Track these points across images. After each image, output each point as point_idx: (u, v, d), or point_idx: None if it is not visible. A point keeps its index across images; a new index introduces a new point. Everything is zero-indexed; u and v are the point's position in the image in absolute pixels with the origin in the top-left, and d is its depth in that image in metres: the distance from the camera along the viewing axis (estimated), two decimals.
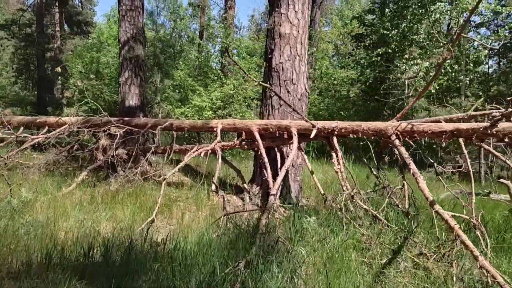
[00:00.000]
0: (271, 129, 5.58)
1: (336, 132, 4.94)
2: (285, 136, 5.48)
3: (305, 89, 5.94)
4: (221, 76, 11.48)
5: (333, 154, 5.05)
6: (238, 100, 10.83)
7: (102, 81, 17.93)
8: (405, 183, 4.61)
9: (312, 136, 4.84)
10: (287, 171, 5.83)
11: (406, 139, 4.51)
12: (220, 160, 5.84)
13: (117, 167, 6.05)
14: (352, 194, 4.39)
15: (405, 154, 4.22)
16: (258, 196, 5.94)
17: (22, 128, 8.99)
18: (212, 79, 12.29)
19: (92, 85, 17.14)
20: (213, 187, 5.67)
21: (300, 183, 6.05)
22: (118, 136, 6.04)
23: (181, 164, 5.44)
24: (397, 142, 4.41)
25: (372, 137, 4.88)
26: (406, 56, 11.10)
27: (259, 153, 5.58)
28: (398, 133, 4.46)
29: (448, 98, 11.51)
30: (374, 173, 5.18)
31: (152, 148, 6.47)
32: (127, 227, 4.79)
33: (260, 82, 4.97)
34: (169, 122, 6.68)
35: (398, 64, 11.31)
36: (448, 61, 10.89)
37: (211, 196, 6.31)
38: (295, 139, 5.20)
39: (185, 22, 24.84)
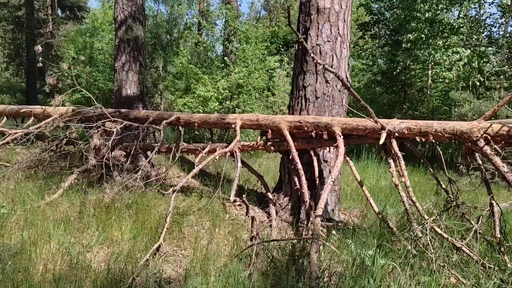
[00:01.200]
0: (306, 128, 4.46)
1: (397, 134, 3.83)
2: (325, 137, 4.37)
3: (347, 78, 4.83)
4: (229, 63, 10.33)
5: (390, 161, 3.95)
6: (248, 90, 9.68)
7: (96, 68, 16.73)
8: (495, 204, 3.53)
9: (382, 141, 3.72)
10: (325, 180, 4.74)
11: (495, 145, 3.41)
12: (239, 164, 4.73)
13: (113, 171, 4.92)
14: (428, 220, 3.29)
15: (503, 167, 3.14)
16: (286, 209, 4.84)
17: (4, 119, 7.86)
18: (217, 66, 11.12)
19: (85, 72, 15.95)
20: (232, 197, 4.53)
21: (338, 193, 4.97)
22: (114, 133, 4.90)
23: (195, 171, 4.32)
24: (487, 149, 3.32)
25: (448, 141, 3.79)
26: (440, 43, 9.94)
27: (290, 157, 4.48)
28: (489, 137, 3.36)
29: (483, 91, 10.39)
30: (443, 186, 4.09)
31: (155, 147, 5.33)
32: (126, 254, 3.68)
33: (326, 65, 3.75)
34: (175, 115, 5.55)
35: (432, 52, 10.16)
36: (490, 48, 9.80)
37: (227, 206, 5.22)
38: (340, 141, 4.09)
39: (183, 8, 23.37)
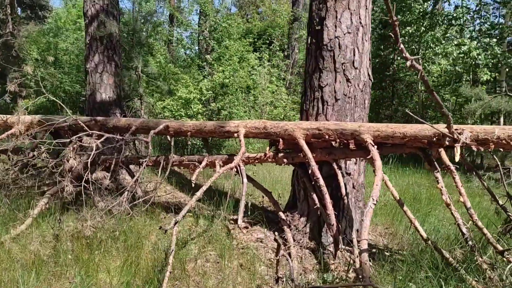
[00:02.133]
0: (327, 136, 3.75)
1: (451, 143, 3.15)
2: (351, 146, 3.66)
3: (369, 75, 4.14)
4: (212, 62, 9.50)
5: (437, 175, 3.29)
6: (234, 90, 8.89)
7: (62, 69, 15.67)
8: None
9: (457, 158, 3.00)
10: (349, 197, 4.05)
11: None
12: (245, 180, 3.97)
13: (94, 196, 4.07)
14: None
15: None
16: (304, 232, 4.11)
17: None
18: (198, 65, 10.26)
19: (50, 74, 14.88)
20: (240, 221, 3.76)
21: (363, 209, 4.28)
22: (94, 148, 4.04)
23: (198, 194, 3.52)
24: None
25: None
26: (438, 34, 9.39)
27: (310, 171, 3.75)
28: None
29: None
30: (500, 203, 3.46)
31: (143, 162, 4.51)
32: None
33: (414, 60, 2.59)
34: (163, 124, 4.74)
35: (431, 45, 9.62)
36: (494, 40, 9.31)
37: (231, 228, 4.45)
38: (375, 153, 3.40)
39: (152, 5, 22.30)
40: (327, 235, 3.99)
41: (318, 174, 3.68)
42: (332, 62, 3.95)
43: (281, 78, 15.35)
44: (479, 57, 8.78)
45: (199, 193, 3.50)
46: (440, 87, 11.57)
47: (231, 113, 8.80)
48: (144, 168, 4.90)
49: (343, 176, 4.01)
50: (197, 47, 12.37)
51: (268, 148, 4.24)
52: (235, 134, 4.30)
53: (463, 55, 9.13)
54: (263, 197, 5.19)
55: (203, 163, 4.51)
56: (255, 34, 17.35)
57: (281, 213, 4.32)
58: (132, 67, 7.27)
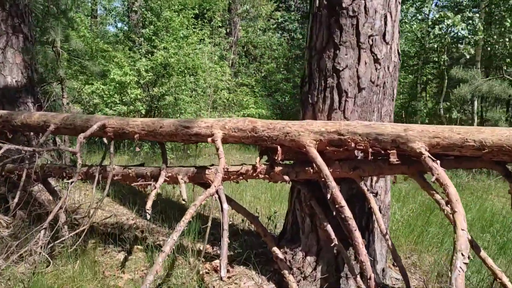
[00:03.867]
0: (353, 144, 2.53)
1: None
2: (392, 159, 2.47)
3: (398, 53, 2.96)
4: (152, 37, 7.88)
5: None
6: (181, 71, 7.40)
7: None
8: None
9: None
10: (374, 227, 2.88)
11: None
12: (225, 206, 2.69)
13: None
14: None
15: None
16: (313, 278, 2.89)
17: None
18: (134, 42, 8.58)
19: None
20: (223, 273, 2.45)
21: (389, 242, 3.14)
22: None
23: (167, 249, 2.16)
24: None
25: None
26: (412, 9, 8.37)
27: (328, 195, 2.53)
28: None
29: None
30: None
31: (74, 177, 3.06)
32: None
33: None
34: (98, 122, 3.30)
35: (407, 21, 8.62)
36: (477, 14, 8.45)
37: (201, 272, 3.13)
38: (440, 171, 2.24)
39: None
40: (348, 284, 2.82)
41: (342, 200, 2.48)
42: (355, 34, 2.70)
43: (224, 58, 14.07)
44: (463, 32, 7.98)
45: (167, 249, 2.14)
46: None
47: (177, 99, 7.33)
48: (62, 178, 3.47)
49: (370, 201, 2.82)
50: (128, 20, 10.59)
51: (258, 158, 2.94)
52: (209, 139, 2.95)
53: (440, 32, 8.28)
54: (242, 220, 3.91)
55: (160, 180, 3.15)
56: (190, 9, 15.89)
57: (276, 249, 3.05)
58: (48, 42, 5.54)
